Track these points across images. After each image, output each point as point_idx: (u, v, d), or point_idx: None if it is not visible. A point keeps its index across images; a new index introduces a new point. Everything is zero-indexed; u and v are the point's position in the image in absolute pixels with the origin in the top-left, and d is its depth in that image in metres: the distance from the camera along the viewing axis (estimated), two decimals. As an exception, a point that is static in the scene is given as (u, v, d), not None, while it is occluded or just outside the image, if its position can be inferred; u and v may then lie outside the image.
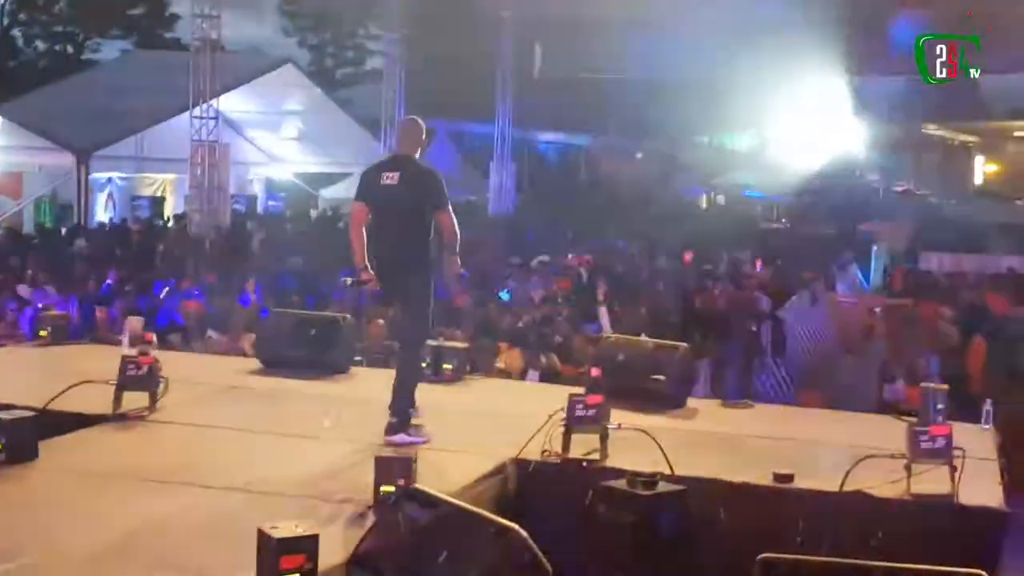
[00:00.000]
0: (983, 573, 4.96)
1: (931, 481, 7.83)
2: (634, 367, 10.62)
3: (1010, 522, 7.56)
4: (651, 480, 7.29)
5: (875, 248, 25.02)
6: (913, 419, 8.20)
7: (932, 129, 43.69)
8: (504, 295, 18.42)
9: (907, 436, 7.91)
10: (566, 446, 8.47)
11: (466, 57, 40.18)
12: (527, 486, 8.38)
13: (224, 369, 11.94)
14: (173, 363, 10.31)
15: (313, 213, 39.15)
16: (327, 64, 61.17)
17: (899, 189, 42.77)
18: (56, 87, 39.29)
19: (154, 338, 10.82)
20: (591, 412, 8.52)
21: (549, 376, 12.90)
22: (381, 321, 14.00)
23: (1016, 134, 44.13)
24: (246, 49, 50.61)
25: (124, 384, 9.42)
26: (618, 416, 8.82)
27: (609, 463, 8.31)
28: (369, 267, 9.17)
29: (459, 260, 9.24)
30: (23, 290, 18.13)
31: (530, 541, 5.06)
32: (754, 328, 15.09)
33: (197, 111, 30.59)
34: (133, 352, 9.78)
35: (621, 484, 7.35)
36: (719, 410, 10.88)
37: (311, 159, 40.49)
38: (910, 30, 26.07)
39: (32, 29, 57.28)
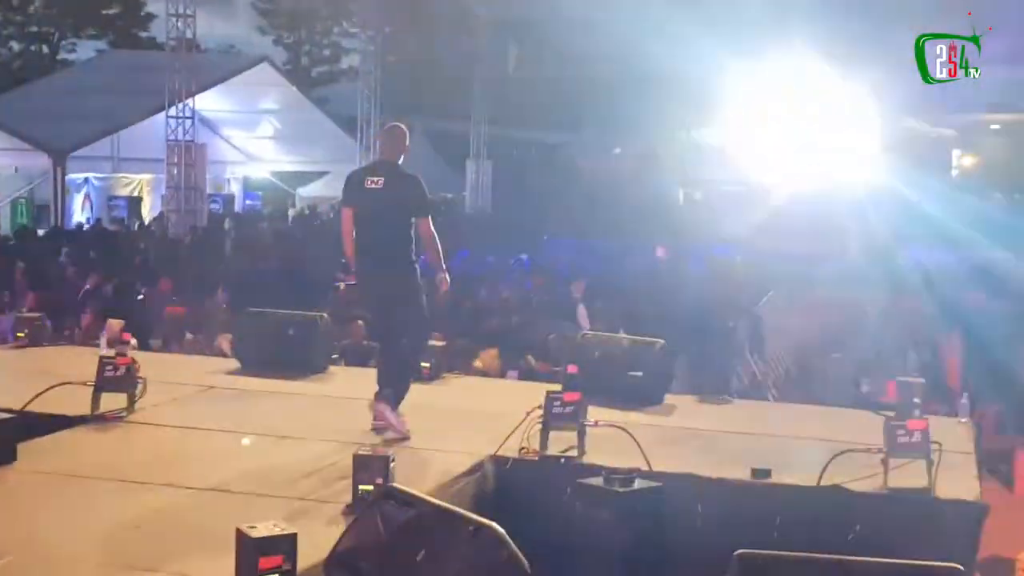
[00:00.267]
0: (960, 567, 4.97)
1: (908, 475, 7.87)
2: (611, 364, 10.65)
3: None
4: (628, 477, 7.32)
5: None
6: (890, 413, 8.24)
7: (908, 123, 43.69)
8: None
9: (884, 430, 7.94)
10: (544, 443, 8.50)
11: (442, 55, 40.20)
12: (505, 484, 8.39)
13: (202, 369, 11.91)
14: (151, 364, 10.29)
15: (291, 212, 39.12)
16: (303, 62, 61.15)
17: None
18: (31, 87, 39.26)
19: (132, 339, 10.80)
20: (568, 409, 8.54)
21: (527, 375, 12.92)
22: (361, 322, 13.98)
23: (993, 127, 44.17)
24: (222, 48, 50.57)
25: (102, 385, 9.38)
26: (596, 413, 8.85)
27: (587, 460, 8.34)
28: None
29: (447, 277, 9.36)
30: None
31: (507, 539, 5.06)
32: (731, 324, 15.11)
33: (173, 111, 30.55)
34: (111, 353, 9.76)
35: (598, 481, 7.38)
36: (697, 406, 10.90)
37: (287, 158, 40.49)
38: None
39: (7, 29, 57.09)
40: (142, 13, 56.66)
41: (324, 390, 11.16)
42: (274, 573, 5.58)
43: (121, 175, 36.53)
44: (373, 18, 37.29)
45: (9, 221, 33.23)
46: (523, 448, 8.47)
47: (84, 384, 9.35)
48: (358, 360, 12.80)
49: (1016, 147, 41.48)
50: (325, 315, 12.50)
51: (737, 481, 8.08)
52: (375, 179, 9.28)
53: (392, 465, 7.15)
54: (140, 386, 9.60)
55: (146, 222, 34.57)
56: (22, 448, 8.17)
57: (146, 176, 36.23)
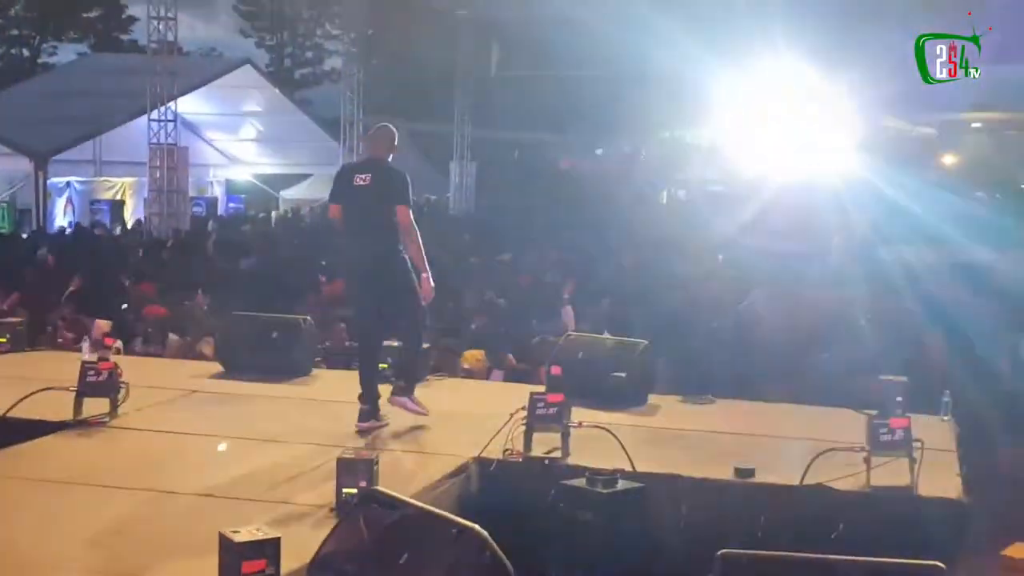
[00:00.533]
0: (942, 565, 4.99)
1: (891, 473, 7.88)
2: (595, 365, 10.66)
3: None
4: (611, 477, 7.32)
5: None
6: (873, 412, 8.25)
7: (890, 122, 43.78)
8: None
9: (867, 429, 7.96)
10: (528, 445, 8.51)
11: (424, 57, 40.18)
12: (489, 485, 8.39)
13: (185, 373, 11.89)
14: (134, 368, 10.29)
15: (274, 214, 39.07)
16: (285, 64, 61.14)
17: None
18: (12, 91, 39.18)
19: (117, 343, 10.78)
20: (552, 410, 8.54)
21: (513, 376, 12.91)
22: (343, 324, 13.97)
23: (974, 126, 44.27)
24: (204, 51, 50.48)
25: (84, 390, 9.37)
26: (579, 414, 8.86)
27: (571, 461, 8.33)
28: None
29: (431, 281, 9.47)
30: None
31: (491, 540, 5.06)
32: (714, 324, 15.09)
33: (155, 114, 30.47)
34: (93, 358, 9.73)
35: (581, 482, 7.38)
36: (680, 406, 10.90)
37: (270, 160, 40.46)
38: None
39: (-13, 33, 57.00)
40: (123, 16, 56.65)
41: (308, 393, 11.15)
42: (258, 578, 5.58)
43: (103, 178, 36.45)
44: (355, 20, 37.25)
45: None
46: (507, 450, 8.47)
47: (66, 389, 9.33)
48: (340, 363, 12.77)
49: (998, 146, 41.60)
50: (308, 318, 12.49)
51: (721, 481, 8.09)
52: (363, 176, 9.46)
53: (376, 468, 7.15)
54: (123, 391, 9.57)
55: (128, 226, 34.47)
56: (3, 454, 8.16)
57: (128, 179, 36.15)
